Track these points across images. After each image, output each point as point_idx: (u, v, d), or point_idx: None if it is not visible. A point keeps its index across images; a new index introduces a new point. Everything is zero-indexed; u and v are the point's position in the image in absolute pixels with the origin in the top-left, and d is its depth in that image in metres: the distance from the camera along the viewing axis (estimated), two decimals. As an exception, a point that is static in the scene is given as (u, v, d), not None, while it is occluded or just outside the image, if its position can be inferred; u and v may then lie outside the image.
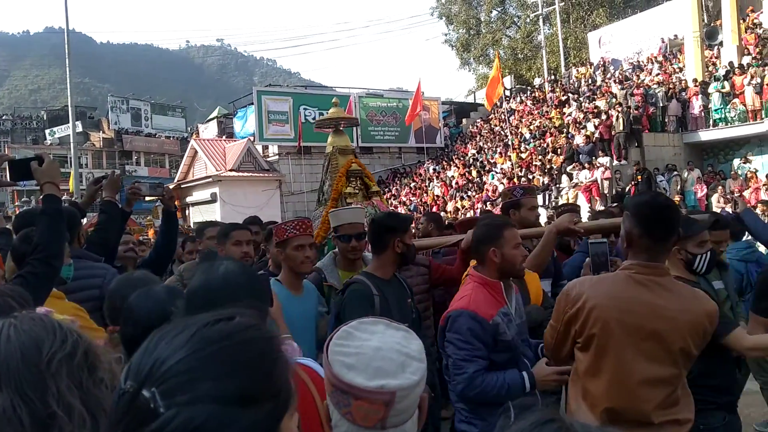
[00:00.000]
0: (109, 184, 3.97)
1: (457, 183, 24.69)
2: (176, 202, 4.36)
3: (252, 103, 29.42)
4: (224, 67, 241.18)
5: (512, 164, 22.09)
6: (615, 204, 11.06)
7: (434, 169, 28.11)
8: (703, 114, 19.79)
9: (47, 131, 55.86)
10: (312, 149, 29.43)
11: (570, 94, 27.06)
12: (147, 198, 4.63)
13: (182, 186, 30.11)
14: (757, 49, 20.98)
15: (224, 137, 33.31)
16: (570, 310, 2.44)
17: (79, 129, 43.60)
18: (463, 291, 3.04)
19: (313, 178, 29.35)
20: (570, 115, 23.84)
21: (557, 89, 29.39)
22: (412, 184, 27.81)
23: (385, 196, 27.46)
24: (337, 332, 1.42)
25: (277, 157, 29.32)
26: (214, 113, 41.47)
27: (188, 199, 29.69)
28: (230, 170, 28.03)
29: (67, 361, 1.09)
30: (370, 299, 3.22)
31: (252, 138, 29.14)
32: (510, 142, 24.36)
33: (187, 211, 29.30)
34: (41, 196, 2.71)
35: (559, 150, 21.15)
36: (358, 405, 1.27)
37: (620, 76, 25.58)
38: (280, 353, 0.91)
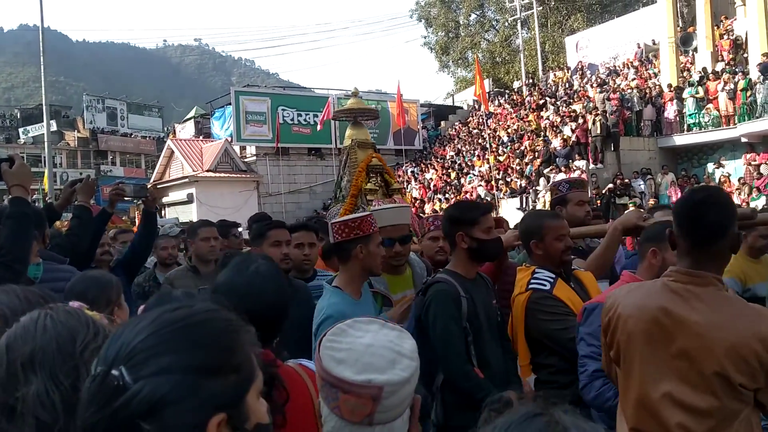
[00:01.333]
0: (83, 189, 3.90)
1: (435, 185, 24.74)
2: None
3: (229, 104, 29.22)
4: (202, 66, 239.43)
5: (490, 167, 22.20)
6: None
7: (412, 171, 28.14)
8: (677, 119, 20.08)
9: (21, 130, 54.96)
10: (290, 150, 29.34)
11: (547, 98, 27.27)
12: (126, 198, 4.46)
13: (158, 186, 29.74)
14: (731, 56, 21.32)
15: (201, 137, 33.05)
16: (604, 319, 2.27)
17: (54, 128, 42.97)
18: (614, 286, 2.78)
19: (290, 180, 29.26)
20: (547, 118, 24.02)
21: (535, 93, 29.60)
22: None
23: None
24: (331, 329, 1.43)
25: (254, 158, 29.15)
26: (191, 113, 41.14)
27: (164, 200, 29.38)
28: (207, 171, 27.80)
29: (97, 351, 1.14)
30: (457, 300, 2.90)
31: (229, 138, 28.95)
32: (488, 145, 24.48)
33: (163, 212, 29.00)
34: (8, 198, 2.65)
35: (536, 153, 21.30)
36: (346, 399, 1.28)
37: (597, 81, 25.83)
38: (240, 332, 0.98)
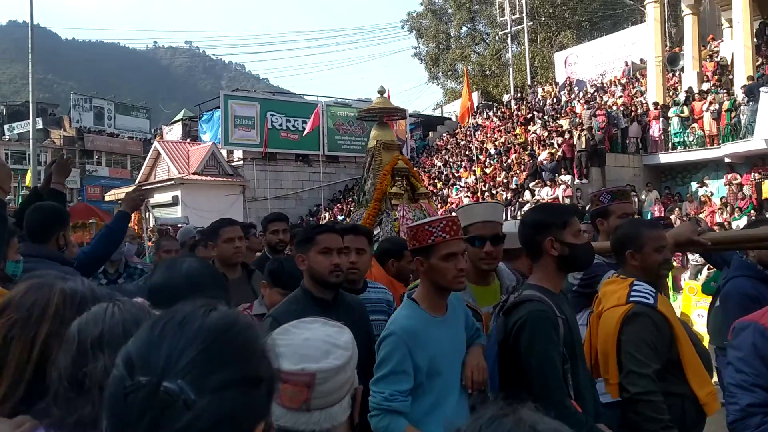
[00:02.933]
0: (57, 168, 3.74)
1: (421, 195, 24.76)
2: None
3: (218, 107, 29.18)
4: (192, 69, 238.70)
5: (476, 179, 22.31)
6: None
7: (399, 181, 28.16)
8: (662, 137, 20.29)
9: (6, 126, 54.43)
10: (277, 156, 29.31)
11: (535, 112, 27.46)
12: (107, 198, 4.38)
13: (144, 188, 29.59)
14: (716, 77, 21.61)
15: (188, 140, 32.95)
16: None
17: (40, 126, 42.59)
18: None
19: (277, 185, 29.22)
20: (534, 132, 24.19)
21: (523, 107, 29.80)
22: (377, 195, 27.81)
23: (349, 206, 27.49)
24: (276, 330, 1.53)
25: (241, 162, 29.10)
26: (179, 115, 41.01)
27: (149, 201, 29.21)
28: (193, 174, 27.70)
29: None
30: (555, 322, 2.47)
31: (217, 142, 28.88)
32: (475, 157, 24.59)
33: (147, 214, 28.81)
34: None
35: (522, 166, 21.42)
36: (284, 388, 1.37)
37: (585, 97, 26.07)
38: (265, 337, 0.98)
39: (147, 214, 27.64)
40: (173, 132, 36.92)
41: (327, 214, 27.27)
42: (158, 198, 28.76)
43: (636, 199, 18.62)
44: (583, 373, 2.61)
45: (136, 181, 32.03)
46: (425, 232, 2.51)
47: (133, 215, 5.28)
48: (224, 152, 29.24)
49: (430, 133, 34.89)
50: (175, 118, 40.71)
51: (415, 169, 6.92)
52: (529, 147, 22.95)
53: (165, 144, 31.14)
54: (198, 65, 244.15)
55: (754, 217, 15.22)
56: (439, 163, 28.46)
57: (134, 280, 5.35)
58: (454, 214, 3.09)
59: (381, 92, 7.10)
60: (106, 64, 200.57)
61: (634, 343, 2.58)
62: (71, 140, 51.49)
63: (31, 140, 26.74)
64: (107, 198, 33.78)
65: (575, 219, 2.65)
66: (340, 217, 25.78)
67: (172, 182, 27.73)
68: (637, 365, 2.55)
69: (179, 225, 10.86)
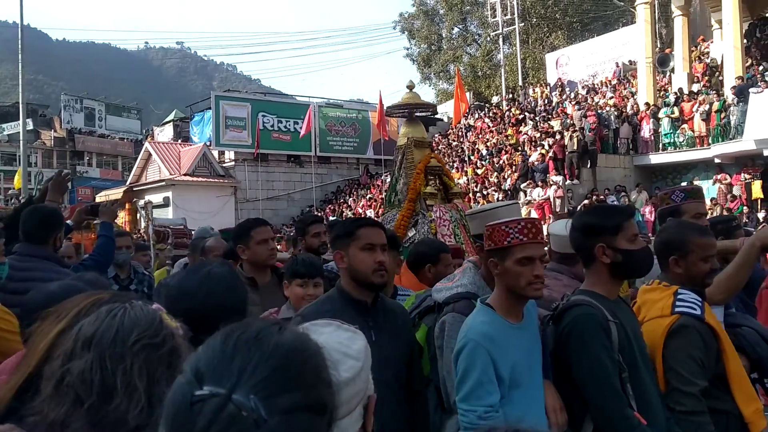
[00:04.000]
0: (54, 185, 3.76)
1: (413, 196, 24.79)
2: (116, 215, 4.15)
3: (209, 108, 29.12)
4: (183, 70, 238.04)
5: (468, 179, 22.33)
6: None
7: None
8: (653, 138, 20.38)
9: (-5, 127, 54.18)
10: (269, 157, 29.27)
11: (527, 113, 27.53)
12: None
13: (134, 189, 29.54)
14: (706, 78, 21.73)
15: (180, 141, 32.87)
16: None
17: (30, 126, 42.36)
18: None
19: (269, 186, 29.17)
20: (526, 133, 24.24)
21: (514, 108, 29.87)
22: (369, 196, 27.82)
23: (341, 207, 27.50)
24: None
25: (233, 163, 29.04)
26: (171, 116, 40.92)
27: (140, 203, 29.11)
28: (184, 175, 27.61)
29: (150, 349, 1.20)
30: (606, 327, 2.30)
31: (208, 143, 28.82)
32: (467, 158, 24.62)
33: (138, 215, 28.72)
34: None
35: (514, 167, 21.47)
36: None
37: (576, 98, 26.14)
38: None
39: (138, 215, 27.59)
40: (164, 133, 36.82)
41: (319, 215, 27.25)
42: (149, 199, 28.65)
43: (626, 199, 18.69)
44: (650, 384, 2.38)
45: (127, 182, 31.93)
46: (501, 233, 2.33)
47: (124, 214, 5.27)
48: (215, 153, 29.19)
49: (422, 134, 34.89)
50: (166, 119, 40.62)
51: (447, 167, 6.51)
52: (521, 148, 23.01)
53: (156, 145, 31.04)
54: (189, 66, 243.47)
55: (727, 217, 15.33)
56: (431, 164, 28.48)
57: (144, 287, 5.36)
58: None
59: (410, 87, 6.66)
60: (97, 65, 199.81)
61: (679, 359, 2.40)
62: (62, 141, 51.26)
63: (21, 141, 26.59)
64: (98, 199, 33.60)
65: (630, 222, 2.45)
66: (332, 218, 25.77)
67: (164, 183, 27.63)
68: (682, 383, 2.38)
69: (178, 226, 10.70)
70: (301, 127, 28.78)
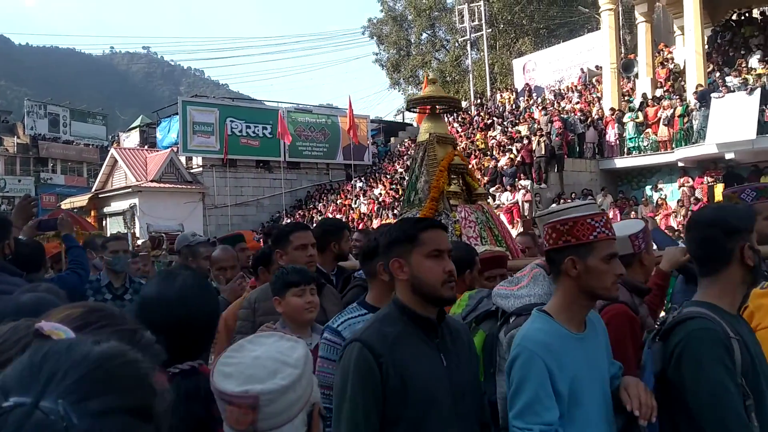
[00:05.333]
0: (17, 211, 3.69)
1: (383, 200, 24.83)
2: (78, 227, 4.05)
3: (176, 113, 28.82)
4: (150, 75, 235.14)
5: (437, 184, 22.39)
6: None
7: (361, 187, 28.19)
8: (618, 142, 20.70)
9: (-45, 134, 52.91)
10: (237, 162, 29.06)
11: (495, 118, 27.75)
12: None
13: (100, 196, 29.11)
14: (669, 83, 22.14)
15: (146, 147, 32.47)
16: None
17: (-9, 133, 41.50)
18: None
19: (237, 192, 28.95)
20: (494, 138, 24.43)
21: (483, 113, 30.09)
22: (339, 201, 27.77)
23: (311, 212, 27.39)
24: (232, 346, 1.51)
25: (201, 169, 28.77)
26: (137, 122, 40.41)
27: (106, 210, 28.70)
28: (151, 181, 27.29)
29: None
30: (728, 344, 1.95)
31: (175, 149, 28.50)
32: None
33: (104, 222, 28.28)
34: None
35: (483, 171, 21.61)
36: (230, 410, 1.37)
37: (543, 103, 26.43)
38: (157, 382, 0.89)
39: (105, 222, 27.11)
40: (130, 139, 36.36)
41: (289, 221, 27.13)
42: (115, 206, 28.29)
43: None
44: None
45: (93, 189, 31.44)
46: (587, 227, 2.05)
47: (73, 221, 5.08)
48: (183, 159, 28.89)
49: (392, 139, 35.00)
50: (133, 125, 40.12)
51: (471, 167, 6.09)
52: (490, 152, 23.17)
53: (122, 151, 30.66)
54: (156, 71, 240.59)
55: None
56: (401, 169, 28.54)
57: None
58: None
59: (433, 81, 6.28)
60: (62, 70, 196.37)
61: None
62: (25, 148, 50.21)
63: (-19, 148, 26.02)
64: (63, 206, 33.01)
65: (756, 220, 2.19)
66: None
67: (130, 190, 27.29)
68: None
69: (174, 232, 10.41)
70: (270, 133, 28.69)
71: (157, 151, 30.22)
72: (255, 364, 1.42)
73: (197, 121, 28.13)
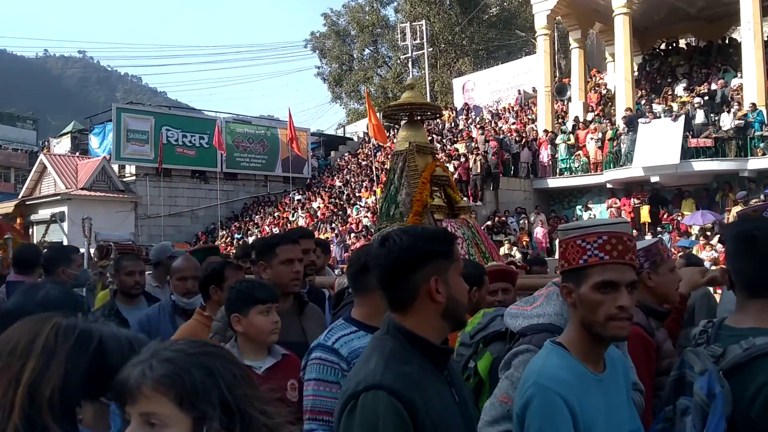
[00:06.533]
0: None
1: (322, 214, 24.76)
2: None
3: (110, 120, 28.09)
4: (85, 80, 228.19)
5: (377, 199, 22.53)
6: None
7: (299, 200, 28.04)
8: (551, 163, 21.30)
9: None
10: (172, 172, 28.49)
11: (434, 136, 28.11)
12: None
13: (27, 203, 28.02)
14: (600, 107, 22.96)
15: (78, 154, 31.47)
16: None
17: None
18: None
19: (172, 202, 28.35)
20: (432, 155, 24.75)
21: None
22: (276, 214, 27.53)
23: (247, 225, 27.04)
24: None
25: (134, 177, 28.07)
26: (69, 128, 39.09)
27: (33, 217, 27.62)
28: (82, 189, 26.44)
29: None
30: None
31: (108, 156, 27.75)
32: (375, 177, 24.84)
33: (30, 230, 27.21)
34: None
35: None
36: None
37: (480, 122, 26.95)
38: None
39: (31, 230, 26.08)
40: (61, 145, 35.16)
41: (224, 233, 26.72)
42: (43, 214, 27.22)
43: (526, 221, 19.39)
44: None
45: (20, 195, 30.23)
46: (576, 249, 1.77)
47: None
48: (116, 167, 28.14)
49: (332, 153, 34.99)
50: (64, 131, 38.78)
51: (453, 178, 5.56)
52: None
53: (52, 157, 29.60)
54: (91, 76, 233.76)
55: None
56: (340, 183, 28.56)
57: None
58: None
59: (411, 86, 5.91)
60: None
61: None
62: (-53, 150, 47.99)
63: None
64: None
65: None
66: (237, 236, 25.31)
67: (59, 197, 26.35)
68: None
69: (125, 242, 9.90)
70: (207, 143, 28.27)
71: (89, 158, 29.35)
72: None
73: (132, 129, 27.48)
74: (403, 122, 5.78)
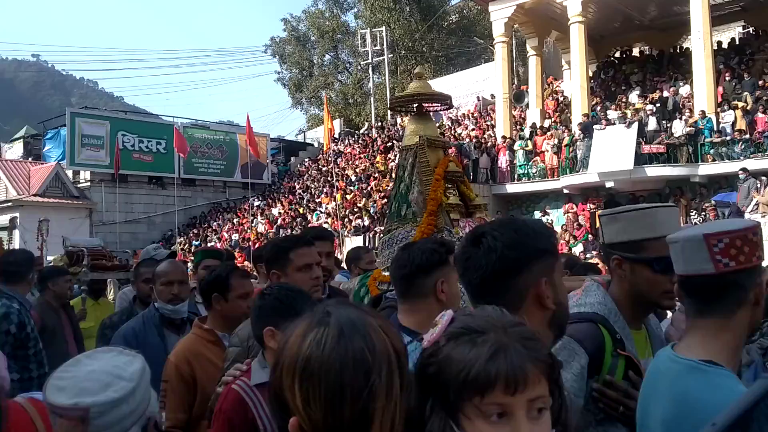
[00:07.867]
0: None
1: (283, 220, 24.61)
2: None
3: (64, 125, 27.50)
4: (39, 84, 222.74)
5: (337, 205, 22.50)
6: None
7: (258, 206, 27.83)
8: (509, 168, 21.57)
9: None
10: (129, 178, 28.00)
11: (395, 141, 28.22)
12: None
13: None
14: (557, 114, 23.35)
15: (30, 159, 30.71)
16: None
17: None
18: None
19: (128, 208, 27.86)
20: (394, 161, 24.84)
21: (383, 136, 30.53)
22: (235, 220, 27.28)
23: (205, 231, 26.71)
24: (68, 361, 1.52)
25: (89, 183, 27.51)
26: (21, 132, 38.10)
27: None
28: (34, 195, 25.82)
29: None
30: None
31: (62, 162, 27.16)
32: (336, 183, 24.82)
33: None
34: None
35: (381, 193, 21.89)
36: (60, 423, 1.38)
37: (440, 128, 27.13)
38: None
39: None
40: (13, 150, 34.25)
41: (182, 239, 26.35)
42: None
43: (485, 227, 19.58)
44: None
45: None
46: (752, 244, 1.48)
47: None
48: (70, 173, 27.55)
49: (293, 158, 34.85)
50: (16, 136, 37.79)
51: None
52: (389, 174, 23.52)
53: (3, 163, 28.87)
54: (46, 80, 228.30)
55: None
56: (300, 189, 28.44)
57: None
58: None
59: (419, 75, 5.52)
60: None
61: None
62: None
63: None
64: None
65: None
66: (195, 243, 24.98)
67: (10, 204, 25.69)
68: None
69: (95, 247, 9.49)
70: (164, 148, 27.88)
71: (42, 163, 28.68)
72: (89, 377, 1.43)
73: (86, 134, 26.96)
74: (410, 115, 5.40)
